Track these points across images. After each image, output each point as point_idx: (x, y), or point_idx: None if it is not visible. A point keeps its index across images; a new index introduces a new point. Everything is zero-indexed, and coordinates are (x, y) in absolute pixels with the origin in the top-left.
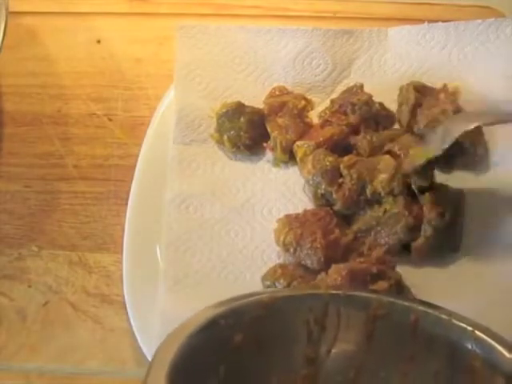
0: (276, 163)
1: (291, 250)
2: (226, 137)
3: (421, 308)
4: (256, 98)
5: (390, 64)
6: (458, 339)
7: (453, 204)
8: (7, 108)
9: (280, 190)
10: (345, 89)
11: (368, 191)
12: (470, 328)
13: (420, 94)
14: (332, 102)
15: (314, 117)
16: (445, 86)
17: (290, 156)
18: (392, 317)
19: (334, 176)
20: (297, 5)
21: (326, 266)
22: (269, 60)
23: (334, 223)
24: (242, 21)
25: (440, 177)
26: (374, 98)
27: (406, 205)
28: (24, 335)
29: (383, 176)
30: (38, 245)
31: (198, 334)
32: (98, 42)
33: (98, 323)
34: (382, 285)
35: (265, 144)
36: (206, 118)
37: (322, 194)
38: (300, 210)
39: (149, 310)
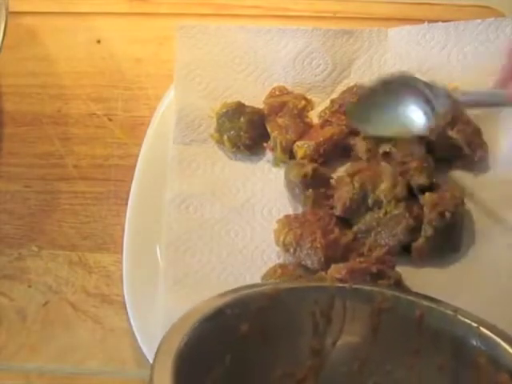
0: (276, 163)
1: (291, 250)
2: (226, 137)
3: (426, 303)
4: (256, 98)
5: (390, 64)
6: (463, 335)
7: (453, 204)
8: (7, 108)
9: (280, 190)
10: (345, 89)
11: (370, 200)
12: (475, 324)
13: None
14: (332, 101)
15: (314, 117)
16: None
17: (290, 156)
18: (397, 311)
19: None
20: (297, 5)
21: (326, 265)
22: (269, 60)
23: (334, 223)
24: (242, 21)
25: (440, 176)
26: None
27: (406, 206)
28: (24, 335)
29: (385, 185)
30: (38, 245)
31: (204, 323)
32: (98, 42)
33: (97, 323)
34: (382, 284)
35: (265, 144)
36: (206, 117)
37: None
38: (300, 210)
39: (149, 309)
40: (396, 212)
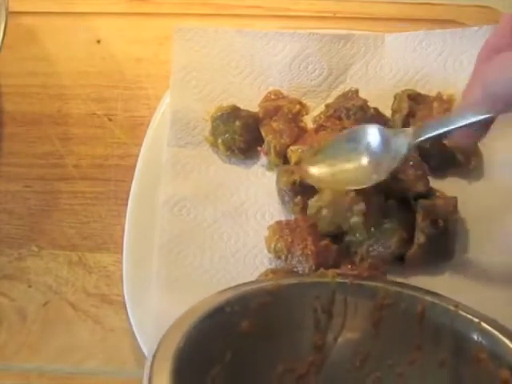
0: (270, 167)
1: (282, 257)
2: (220, 140)
3: (428, 298)
4: (251, 102)
5: (386, 70)
6: (464, 330)
7: (446, 212)
8: (7, 108)
9: (274, 195)
10: (340, 94)
11: (346, 229)
12: (476, 320)
13: (414, 102)
14: (327, 106)
15: (308, 121)
16: (439, 94)
17: (283, 160)
18: (399, 306)
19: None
20: (297, 5)
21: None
22: (265, 64)
23: None
24: (242, 21)
25: (433, 184)
26: (369, 104)
27: (398, 218)
28: (24, 335)
29: (356, 219)
30: (37, 245)
31: (204, 321)
32: (98, 42)
33: (98, 323)
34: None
35: (259, 148)
36: (201, 120)
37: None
38: (294, 216)
39: (149, 310)
40: (388, 226)
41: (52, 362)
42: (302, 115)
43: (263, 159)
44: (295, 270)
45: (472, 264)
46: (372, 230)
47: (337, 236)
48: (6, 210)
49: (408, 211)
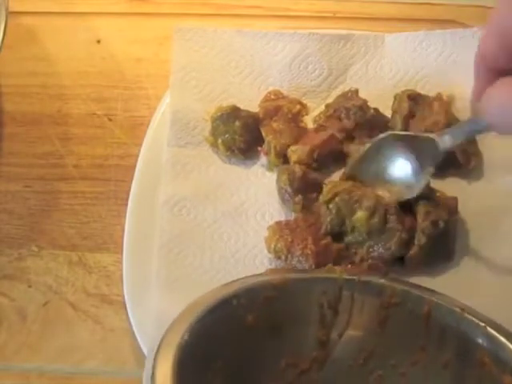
0: (270, 167)
1: (282, 257)
2: (220, 140)
3: (434, 299)
4: (251, 102)
5: (386, 70)
6: (469, 333)
7: (446, 212)
8: (7, 108)
9: (274, 195)
10: (340, 94)
11: (348, 226)
12: (482, 323)
13: (414, 102)
14: (327, 106)
15: (309, 121)
16: (439, 94)
17: (283, 160)
18: (405, 306)
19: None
20: (297, 5)
21: None
22: (265, 64)
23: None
24: (242, 21)
25: (433, 185)
26: (369, 104)
27: (398, 219)
28: (24, 335)
29: (361, 214)
30: (37, 245)
31: (209, 313)
32: (98, 42)
33: (98, 323)
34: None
35: (259, 148)
36: (201, 120)
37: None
38: (293, 216)
39: (149, 310)
40: (389, 226)
41: (52, 361)
42: (302, 115)
43: (263, 159)
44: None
45: (472, 264)
46: (372, 230)
47: (337, 236)
48: (5, 209)
49: (408, 212)
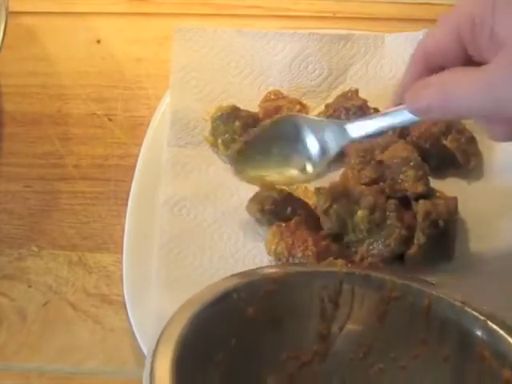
0: None
1: (283, 259)
2: (220, 140)
3: (434, 292)
4: (251, 102)
5: (387, 70)
6: (469, 327)
7: (446, 212)
8: (7, 108)
9: None
10: (340, 94)
11: (349, 225)
12: (482, 317)
13: None
14: (327, 106)
15: None
16: None
17: None
18: (406, 299)
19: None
20: (297, 5)
21: None
22: (265, 64)
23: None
24: (242, 21)
25: (433, 185)
26: (369, 104)
27: (398, 216)
28: (24, 335)
29: (362, 213)
30: (37, 245)
31: (210, 307)
32: (98, 42)
33: (98, 323)
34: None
35: None
36: (201, 120)
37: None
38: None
39: (149, 309)
40: (388, 222)
41: (52, 361)
42: None
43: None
44: None
45: (472, 264)
46: (374, 225)
47: (337, 236)
48: (5, 209)
49: (408, 211)
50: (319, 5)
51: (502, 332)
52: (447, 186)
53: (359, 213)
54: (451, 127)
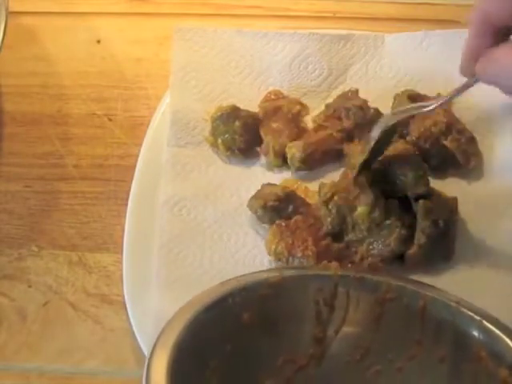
0: (269, 167)
1: (283, 259)
2: (220, 140)
3: (429, 293)
4: (251, 102)
5: (386, 70)
6: (465, 327)
7: (446, 212)
8: (7, 108)
9: None
10: (340, 94)
11: (349, 223)
12: (477, 317)
13: (414, 102)
14: (326, 106)
15: (309, 122)
16: (439, 94)
17: (283, 160)
18: (401, 301)
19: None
20: (297, 5)
21: None
22: (265, 64)
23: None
24: (242, 21)
25: (433, 185)
26: (369, 104)
27: (398, 216)
28: (24, 335)
29: (362, 209)
30: (37, 245)
31: (206, 312)
32: (98, 42)
33: (98, 323)
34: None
35: (258, 148)
36: (201, 120)
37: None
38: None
39: (149, 310)
40: (388, 222)
41: (52, 361)
42: (302, 115)
43: (263, 159)
44: None
45: (472, 264)
46: (374, 225)
47: (337, 236)
48: (5, 209)
49: (408, 211)
50: (319, 5)
51: (498, 332)
52: (447, 186)
53: (359, 209)
54: (451, 127)
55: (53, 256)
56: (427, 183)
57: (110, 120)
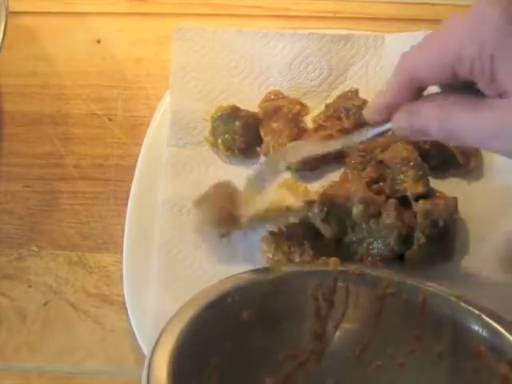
0: None
1: None
2: (220, 140)
3: (429, 288)
4: (251, 102)
5: (387, 70)
6: (465, 322)
7: (446, 212)
8: (7, 108)
9: None
10: (340, 94)
11: (348, 225)
12: (477, 312)
13: None
14: (326, 106)
15: (309, 122)
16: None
17: None
18: (401, 296)
19: None
20: (297, 5)
21: None
22: (265, 64)
23: None
24: (242, 21)
25: (433, 185)
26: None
27: (398, 215)
28: (24, 335)
29: (356, 210)
30: (37, 245)
31: (206, 310)
32: (98, 42)
33: (98, 323)
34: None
35: (258, 148)
36: (201, 120)
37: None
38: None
39: (149, 310)
40: (388, 221)
41: (52, 361)
42: (302, 115)
43: (263, 159)
44: None
45: (472, 264)
46: (373, 221)
47: (337, 237)
48: (5, 209)
49: (408, 211)
50: (319, 5)
51: (498, 327)
52: (447, 186)
53: (355, 210)
54: None
55: (53, 256)
56: (427, 183)
57: (110, 120)
